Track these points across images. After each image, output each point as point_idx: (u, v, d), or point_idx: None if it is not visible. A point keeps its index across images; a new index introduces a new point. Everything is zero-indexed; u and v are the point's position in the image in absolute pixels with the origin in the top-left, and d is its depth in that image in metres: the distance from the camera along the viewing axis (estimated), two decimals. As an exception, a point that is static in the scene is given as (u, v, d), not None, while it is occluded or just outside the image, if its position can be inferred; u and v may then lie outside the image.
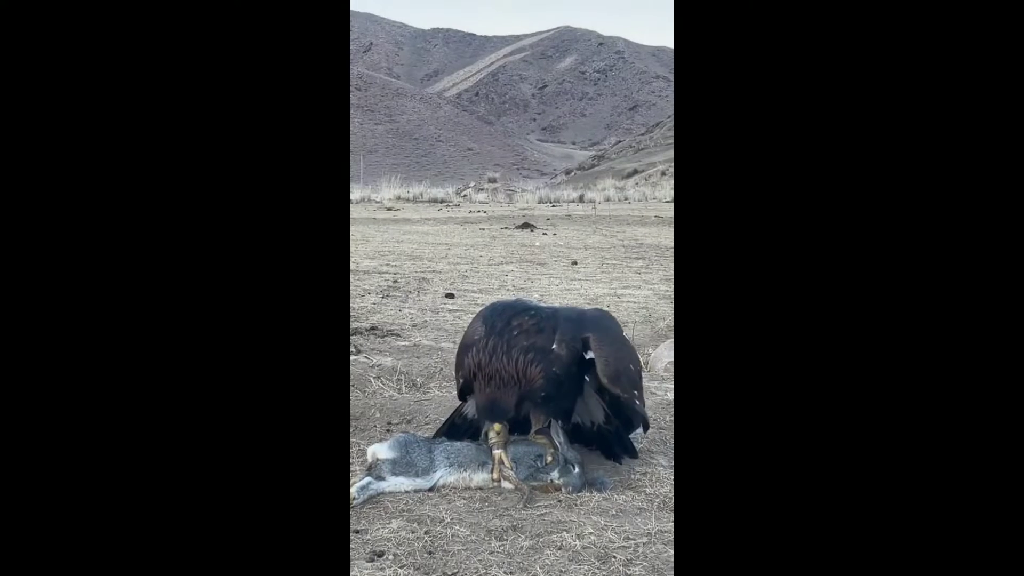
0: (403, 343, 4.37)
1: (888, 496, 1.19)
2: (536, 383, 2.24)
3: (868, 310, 1.21)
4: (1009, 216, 1.19)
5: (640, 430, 2.61)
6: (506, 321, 2.28)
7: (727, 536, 1.21)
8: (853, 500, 1.19)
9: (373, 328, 4.68)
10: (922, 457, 1.19)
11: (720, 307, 1.25)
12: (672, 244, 10.48)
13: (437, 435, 2.53)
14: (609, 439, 2.55)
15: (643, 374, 3.61)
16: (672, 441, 2.71)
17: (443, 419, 2.84)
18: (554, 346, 2.27)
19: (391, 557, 1.86)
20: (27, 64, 1.26)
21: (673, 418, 2.97)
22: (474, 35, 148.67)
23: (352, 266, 7.67)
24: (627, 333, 4.49)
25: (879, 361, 1.20)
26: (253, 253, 1.32)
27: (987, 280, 1.19)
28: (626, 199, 28.10)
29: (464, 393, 2.49)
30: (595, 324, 2.41)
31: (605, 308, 5.52)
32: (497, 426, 2.29)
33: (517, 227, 13.88)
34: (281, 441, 1.30)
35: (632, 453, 2.55)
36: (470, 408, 2.51)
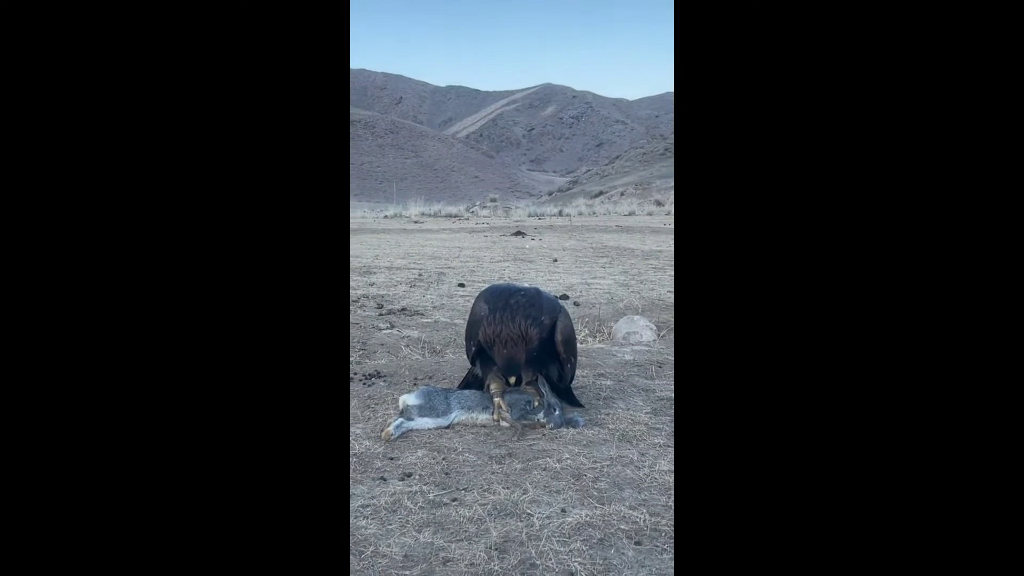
0: (426, 320, 4.36)
1: (886, 478, 0.92)
2: (534, 342, 2.24)
3: (865, 305, 0.95)
4: (1009, 216, 0.93)
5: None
6: (504, 300, 2.29)
7: (726, 526, 0.95)
8: (852, 493, 0.93)
9: (403, 309, 4.68)
10: (919, 442, 0.93)
11: (717, 303, 0.99)
12: (629, 247, 10.46)
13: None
14: (561, 392, 2.54)
15: (605, 340, 3.64)
16: (626, 391, 2.71)
17: (456, 375, 2.83)
18: (543, 317, 2.27)
19: (417, 477, 1.87)
20: (26, 64, 0.97)
21: (628, 373, 2.97)
22: (479, 90, 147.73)
23: (388, 264, 7.65)
24: (594, 311, 4.50)
25: (877, 358, 0.95)
26: (257, 254, 1.02)
27: (987, 281, 0.93)
28: (594, 213, 27.91)
29: (475, 358, 2.48)
30: (561, 306, 2.42)
31: (578, 294, 5.53)
32: (497, 381, 2.29)
33: (512, 234, 13.81)
34: (282, 438, 1.00)
35: (578, 403, 2.53)
36: (478, 369, 2.51)
